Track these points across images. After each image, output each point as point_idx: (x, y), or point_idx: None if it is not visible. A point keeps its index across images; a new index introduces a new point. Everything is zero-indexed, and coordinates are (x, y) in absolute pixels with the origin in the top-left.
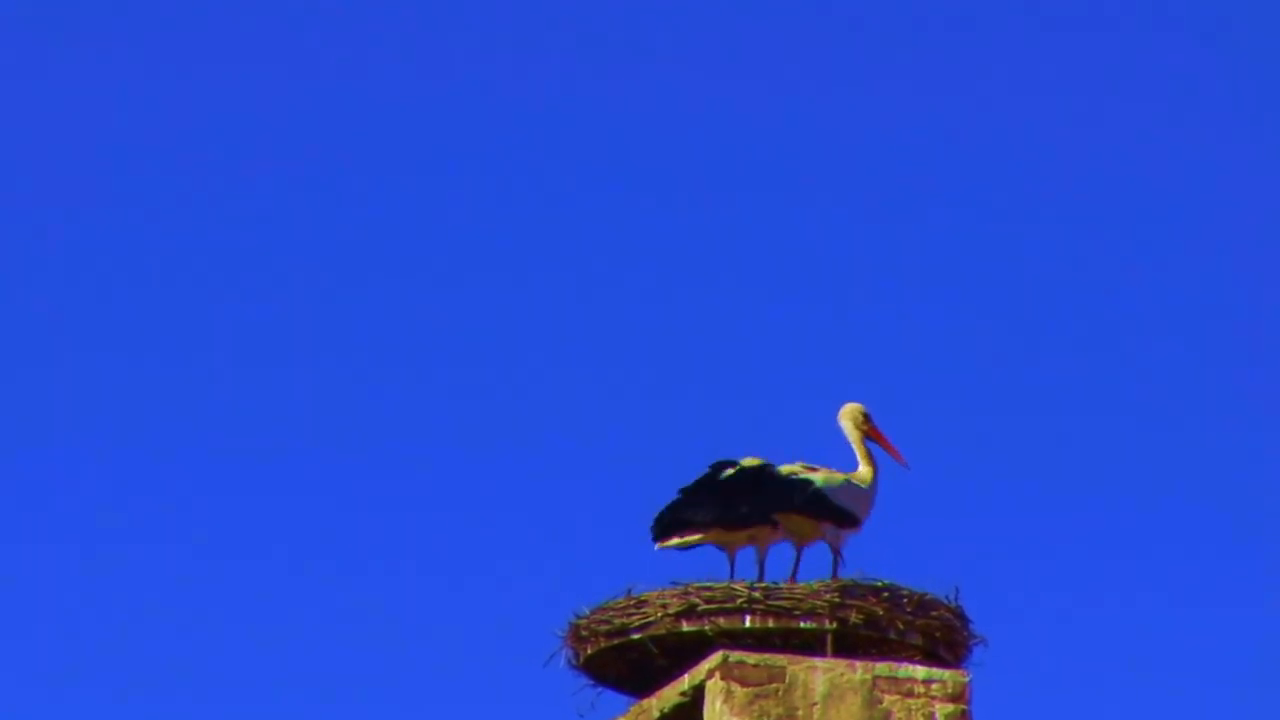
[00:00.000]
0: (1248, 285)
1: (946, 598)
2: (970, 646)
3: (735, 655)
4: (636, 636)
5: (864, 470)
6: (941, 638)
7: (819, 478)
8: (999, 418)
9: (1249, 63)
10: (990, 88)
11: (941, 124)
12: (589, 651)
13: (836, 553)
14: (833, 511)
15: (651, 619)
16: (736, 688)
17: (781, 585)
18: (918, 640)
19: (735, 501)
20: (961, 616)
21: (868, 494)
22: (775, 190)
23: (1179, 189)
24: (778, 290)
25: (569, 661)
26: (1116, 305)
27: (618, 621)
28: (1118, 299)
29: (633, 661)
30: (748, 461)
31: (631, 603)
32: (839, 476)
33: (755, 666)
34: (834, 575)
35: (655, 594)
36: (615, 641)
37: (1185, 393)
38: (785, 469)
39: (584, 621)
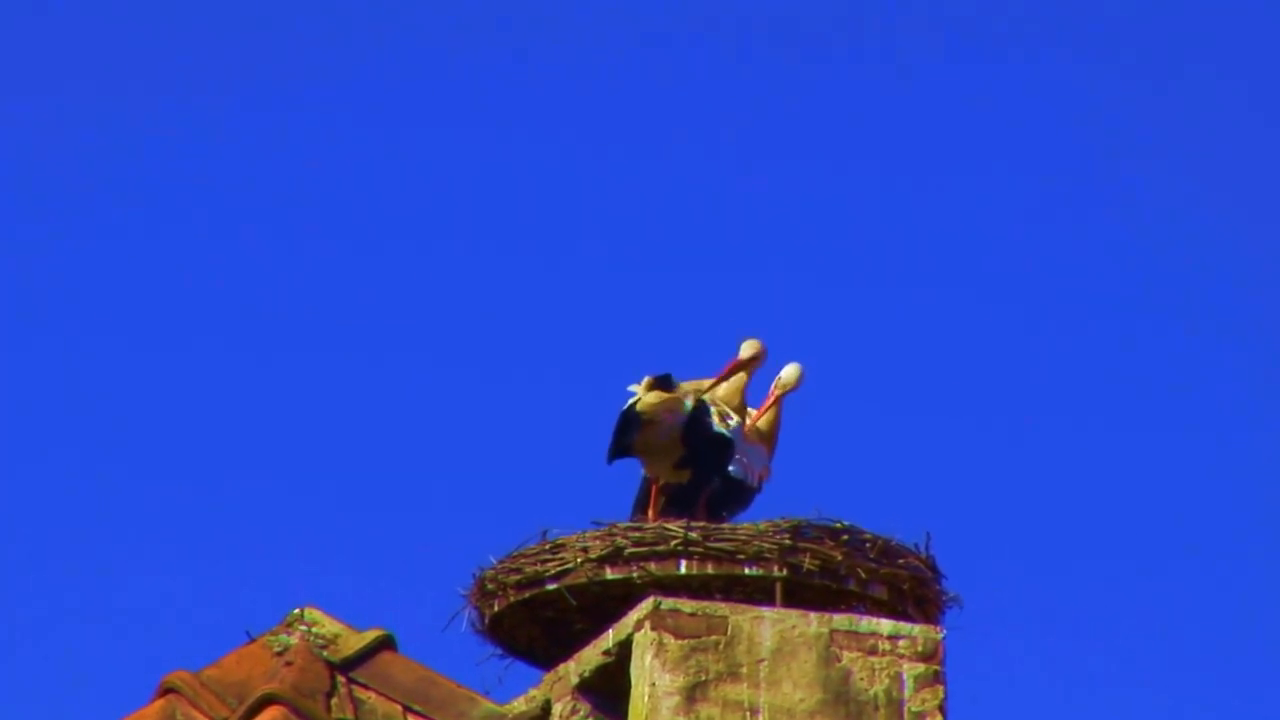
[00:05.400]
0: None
1: (916, 546)
2: (943, 605)
3: (669, 602)
4: (552, 586)
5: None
6: (910, 591)
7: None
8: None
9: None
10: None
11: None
12: (496, 609)
13: None
14: None
15: (570, 565)
16: (670, 640)
17: (724, 526)
18: (882, 593)
19: None
20: (933, 569)
21: None
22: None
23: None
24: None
25: (473, 624)
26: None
27: (530, 570)
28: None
29: (547, 623)
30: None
31: (546, 548)
32: None
33: (693, 616)
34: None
35: (574, 537)
36: (526, 594)
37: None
38: None
39: (491, 573)
